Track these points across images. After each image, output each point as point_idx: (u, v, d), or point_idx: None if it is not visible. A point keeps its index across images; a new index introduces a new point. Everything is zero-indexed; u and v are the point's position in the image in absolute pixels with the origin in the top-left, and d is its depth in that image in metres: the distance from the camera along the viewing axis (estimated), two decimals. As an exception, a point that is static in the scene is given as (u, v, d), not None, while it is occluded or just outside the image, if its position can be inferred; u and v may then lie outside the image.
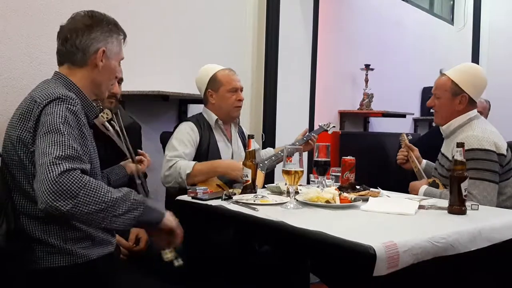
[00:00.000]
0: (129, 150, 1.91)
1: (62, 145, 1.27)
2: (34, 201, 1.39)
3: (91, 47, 1.51)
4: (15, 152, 1.40)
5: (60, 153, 1.24)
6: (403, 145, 2.53)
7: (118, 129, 1.83)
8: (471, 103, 2.22)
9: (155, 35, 2.65)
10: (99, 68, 1.53)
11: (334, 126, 2.78)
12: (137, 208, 1.30)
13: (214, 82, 2.40)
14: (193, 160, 2.25)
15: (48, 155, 1.24)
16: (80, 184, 1.20)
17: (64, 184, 1.18)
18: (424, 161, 2.49)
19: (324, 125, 2.74)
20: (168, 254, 1.42)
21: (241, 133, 2.59)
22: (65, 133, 1.30)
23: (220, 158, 2.33)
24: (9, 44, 2.05)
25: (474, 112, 2.24)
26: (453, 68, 2.29)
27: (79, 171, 1.23)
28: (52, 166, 1.20)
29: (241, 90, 2.45)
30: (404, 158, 2.50)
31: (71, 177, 1.20)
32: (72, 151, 1.27)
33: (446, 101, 2.24)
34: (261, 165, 2.37)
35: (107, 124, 1.88)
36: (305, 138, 2.55)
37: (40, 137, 1.30)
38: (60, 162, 1.22)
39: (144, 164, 1.97)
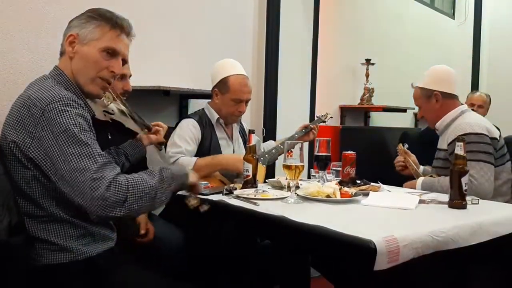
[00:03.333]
0: (143, 123, 1.89)
1: (93, 156, 1.31)
2: (32, 201, 1.40)
3: (66, 34, 1.51)
4: (12, 153, 1.39)
5: (96, 165, 1.29)
6: (400, 153, 2.57)
7: (123, 108, 1.78)
8: (448, 97, 2.36)
9: (156, 30, 2.64)
10: (69, 54, 1.50)
11: (331, 117, 2.81)
12: (170, 184, 1.43)
13: (223, 85, 2.38)
14: (195, 156, 2.25)
15: (85, 171, 1.28)
16: (124, 189, 1.30)
17: (113, 197, 1.28)
18: (422, 167, 2.54)
19: (322, 116, 2.76)
20: (192, 201, 1.55)
21: (242, 130, 2.58)
22: (89, 142, 1.33)
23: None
24: (9, 39, 2.05)
25: (464, 106, 2.39)
26: (421, 78, 2.47)
27: (117, 177, 1.30)
28: (95, 182, 1.27)
29: (247, 102, 2.41)
30: (402, 165, 2.54)
31: (116, 188, 1.28)
32: (103, 159, 1.32)
33: (425, 106, 2.42)
34: (261, 158, 2.37)
35: (110, 107, 1.84)
36: (304, 131, 2.57)
37: (63, 151, 1.31)
38: (100, 176, 1.28)
39: (160, 133, 1.94)
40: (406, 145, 2.57)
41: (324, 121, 2.75)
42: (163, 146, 2.01)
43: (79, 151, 1.30)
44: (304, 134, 2.57)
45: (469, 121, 2.25)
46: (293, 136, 2.55)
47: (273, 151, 2.50)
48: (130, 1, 2.51)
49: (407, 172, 2.53)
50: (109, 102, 1.79)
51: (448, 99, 2.36)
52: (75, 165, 1.29)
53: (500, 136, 2.30)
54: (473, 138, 2.15)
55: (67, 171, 1.30)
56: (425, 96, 2.39)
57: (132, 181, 1.33)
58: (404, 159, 2.51)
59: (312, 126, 2.61)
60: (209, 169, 2.19)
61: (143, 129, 1.94)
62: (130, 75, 2.12)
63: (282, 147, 2.48)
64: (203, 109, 2.47)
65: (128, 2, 2.49)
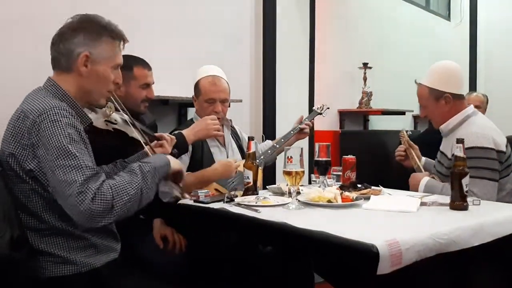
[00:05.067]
0: (148, 134, 1.89)
1: (80, 168, 1.31)
2: (33, 215, 1.40)
3: (74, 52, 1.46)
4: (10, 167, 1.39)
5: (82, 178, 1.30)
6: (403, 141, 2.51)
7: (127, 117, 1.76)
8: (457, 98, 2.22)
9: (154, 39, 2.66)
10: (84, 74, 1.47)
11: (328, 108, 2.71)
12: (154, 178, 1.46)
13: (196, 89, 2.37)
14: (188, 168, 2.20)
15: (72, 183, 1.29)
16: (109, 197, 1.31)
17: (99, 208, 1.29)
18: (424, 159, 2.49)
19: (318, 108, 2.69)
20: (177, 189, 1.56)
21: (234, 134, 2.53)
22: (77, 153, 1.33)
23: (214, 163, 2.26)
24: (10, 50, 2.07)
25: (471, 109, 2.24)
26: (426, 74, 2.29)
27: (102, 186, 1.31)
28: (81, 195, 1.28)
29: (223, 101, 2.33)
30: (403, 155, 2.48)
31: (101, 198, 1.29)
32: (89, 171, 1.33)
33: (433, 107, 2.24)
34: (257, 161, 2.34)
35: (113, 117, 1.83)
36: (299, 126, 2.54)
37: (52, 163, 1.31)
38: (85, 188, 1.29)
39: (165, 146, 1.89)
40: (409, 132, 2.48)
41: (321, 113, 2.68)
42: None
43: (67, 163, 1.31)
44: (300, 132, 2.54)
45: (475, 130, 2.10)
46: (288, 133, 2.52)
47: (269, 151, 2.47)
48: (129, 11, 2.53)
49: (407, 163, 2.47)
50: (111, 112, 1.78)
51: (457, 100, 2.21)
52: (62, 177, 1.30)
53: (507, 146, 2.17)
54: (478, 153, 2.04)
55: (57, 183, 1.31)
56: (434, 97, 2.22)
57: (115, 187, 1.34)
58: (407, 149, 2.45)
59: (307, 122, 2.57)
60: (201, 185, 2.08)
61: (150, 140, 1.93)
62: (153, 83, 2.16)
63: (277, 146, 2.47)
64: (191, 119, 2.44)
65: (126, 12, 2.50)
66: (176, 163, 1.59)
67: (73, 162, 1.31)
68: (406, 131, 2.51)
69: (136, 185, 1.38)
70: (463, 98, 2.26)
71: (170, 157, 1.60)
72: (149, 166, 1.46)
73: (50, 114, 1.35)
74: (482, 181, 2.03)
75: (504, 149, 2.13)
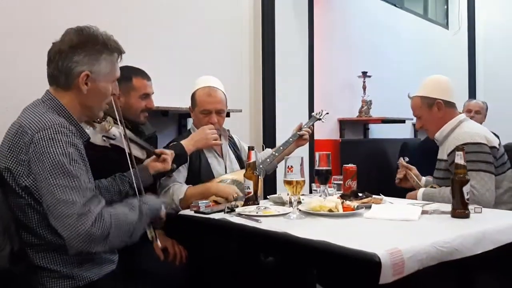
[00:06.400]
0: (149, 149, 1.87)
1: (81, 190, 1.30)
2: (29, 230, 1.39)
3: (73, 70, 1.44)
4: (6, 181, 1.38)
5: (83, 200, 1.29)
6: (400, 167, 2.54)
7: (126, 132, 1.72)
8: (449, 105, 2.35)
9: (153, 50, 2.67)
10: (84, 92, 1.46)
11: (327, 113, 2.72)
12: (146, 220, 1.49)
13: (193, 100, 2.37)
14: (187, 179, 2.20)
15: (72, 205, 1.28)
16: (108, 225, 1.31)
17: (97, 232, 1.28)
18: (423, 178, 2.52)
19: (317, 114, 2.71)
20: (152, 233, 1.56)
21: (232, 144, 2.52)
22: (78, 174, 1.32)
23: (212, 175, 2.27)
24: (11, 67, 2.08)
25: (463, 115, 2.38)
26: (418, 87, 2.44)
27: (103, 212, 1.32)
28: (82, 217, 1.27)
29: (219, 112, 2.32)
30: (400, 178, 2.52)
31: (101, 223, 1.29)
32: (90, 193, 1.33)
33: (427, 115, 2.37)
34: (257, 171, 2.32)
35: (112, 132, 1.81)
36: (298, 133, 2.55)
37: (50, 181, 1.29)
38: (86, 211, 1.28)
39: (167, 161, 1.89)
40: (407, 158, 2.55)
41: (320, 119, 2.69)
42: (172, 173, 2.01)
43: (67, 183, 1.29)
44: (299, 138, 2.54)
45: (467, 130, 2.24)
46: (287, 141, 2.53)
47: (268, 160, 2.47)
48: (128, 23, 2.54)
49: (408, 184, 2.51)
50: (110, 127, 1.77)
51: (449, 108, 2.34)
52: (61, 196, 1.28)
53: (499, 144, 2.28)
54: (472, 148, 2.13)
55: (52, 202, 1.29)
56: (426, 105, 2.35)
57: (115, 216, 1.34)
58: (406, 172, 2.49)
59: (306, 128, 2.57)
60: (199, 196, 2.07)
61: (148, 155, 1.92)
62: (153, 93, 2.17)
63: (276, 154, 2.48)
64: (189, 130, 2.44)
65: (126, 23, 2.52)
66: (164, 212, 1.61)
67: (73, 183, 1.30)
68: (403, 158, 2.55)
69: (131, 222, 1.40)
70: (455, 106, 2.38)
71: (163, 204, 1.64)
72: (147, 209, 1.48)
73: (49, 132, 1.34)
74: (479, 174, 2.10)
75: (496, 145, 2.24)
